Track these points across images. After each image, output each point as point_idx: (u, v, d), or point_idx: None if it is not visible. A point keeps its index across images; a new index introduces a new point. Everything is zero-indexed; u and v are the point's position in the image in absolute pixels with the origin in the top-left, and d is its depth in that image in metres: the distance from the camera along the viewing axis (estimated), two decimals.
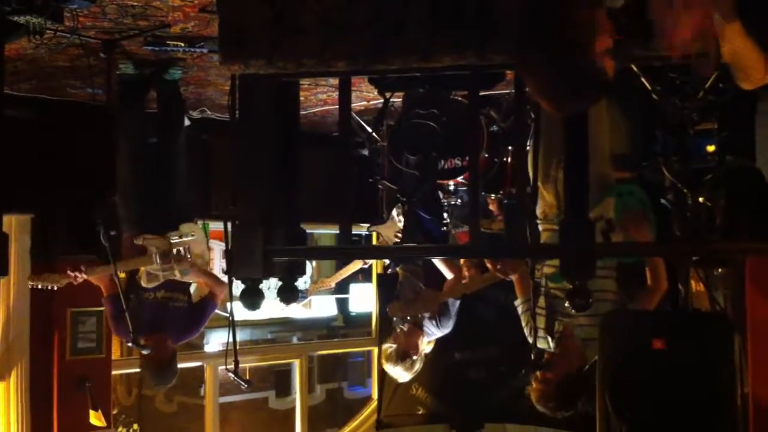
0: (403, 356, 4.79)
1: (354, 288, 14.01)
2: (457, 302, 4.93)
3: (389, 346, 4.88)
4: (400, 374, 4.93)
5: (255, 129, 3.00)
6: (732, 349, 2.99)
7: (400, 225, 4.81)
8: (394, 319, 4.90)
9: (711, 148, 3.69)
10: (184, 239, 5.02)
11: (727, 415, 2.96)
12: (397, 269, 5.15)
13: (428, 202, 4.93)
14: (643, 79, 3.37)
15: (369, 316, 9.12)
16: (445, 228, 5.22)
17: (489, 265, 4.18)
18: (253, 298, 3.12)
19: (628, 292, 4.07)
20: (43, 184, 5.85)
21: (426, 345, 4.96)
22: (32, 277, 4.93)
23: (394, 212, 4.94)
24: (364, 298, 12.08)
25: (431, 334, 4.93)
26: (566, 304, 3.10)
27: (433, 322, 4.86)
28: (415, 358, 4.83)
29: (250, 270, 3.02)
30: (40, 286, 4.83)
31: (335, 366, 18.27)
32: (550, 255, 3.49)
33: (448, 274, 4.80)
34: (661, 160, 3.44)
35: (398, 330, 4.83)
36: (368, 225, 5.61)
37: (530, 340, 3.99)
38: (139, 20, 4.27)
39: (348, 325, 17.41)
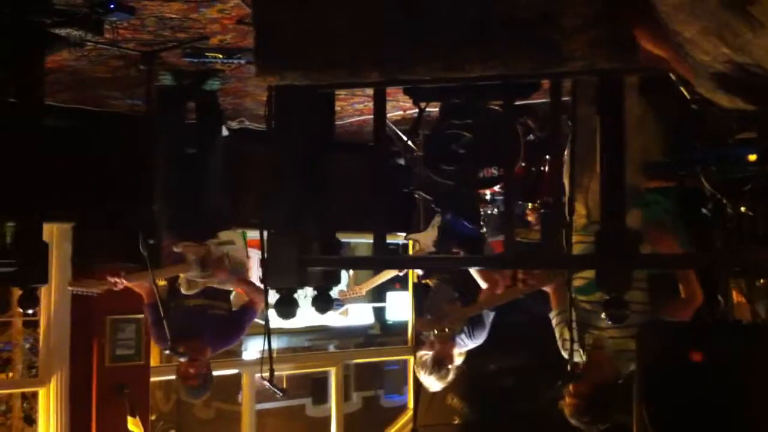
0: (438, 365, 4.76)
1: (391, 296, 14.01)
2: (492, 313, 4.90)
3: (424, 354, 4.85)
4: (433, 383, 4.90)
5: (290, 139, 3.02)
6: None
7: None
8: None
9: (753, 157, 3.63)
10: (224, 247, 5.05)
11: (766, 429, 2.90)
12: (428, 280, 5.12)
13: (468, 211, 4.90)
14: (681, 88, 3.33)
15: (405, 324, 9.11)
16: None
17: (521, 277, 4.16)
18: (287, 308, 3.13)
19: (660, 304, 4.02)
20: (84, 193, 5.92)
21: (458, 356, 4.94)
22: (72, 282, 4.98)
23: (435, 220, 4.90)
24: (400, 307, 12.08)
25: (464, 345, 4.90)
26: (602, 316, 3.07)
27: (466, 332, 4.83)
28: (450, 367, 4.81)
29: (285, 279, 3.03)
30: (80, 292, 4.88)
31: (372, 374, 18.23)
32: (586, 266, 3.46)
33: (483, 284, 4.77)
34: (700, 169, 3.40)
35: (432, 338, 4.81)
36: (405, 234, 5.59)
37: (563, 353, 3.95)
38: (177, 32, 4.32)
39: (385, 333, 17.38)
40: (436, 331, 4.61)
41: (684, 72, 2.15)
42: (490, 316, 4.91)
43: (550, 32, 2.33)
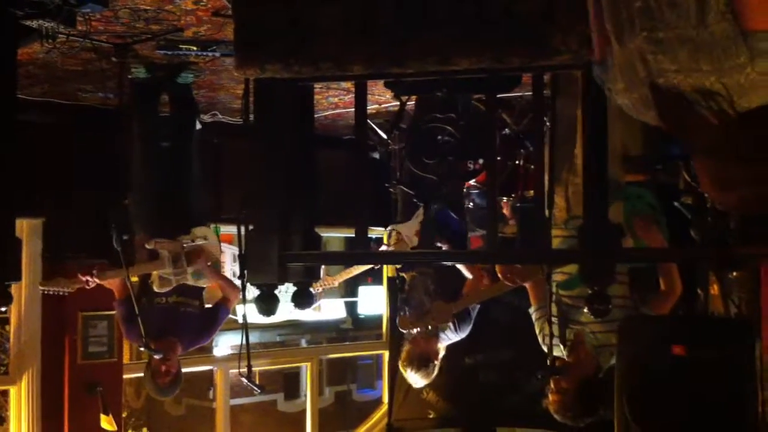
0: (425, 362, 4.71)
1: (363, 290, 14.01)
2: (477, 306, 4.86)
3: (409, 350, 4.78)
4: (418, 380, 4.85)
5: (271, 133, 2.98)
6: (752, 355, 2.95)
7: (417, 226, 4.69)
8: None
9: None
10: (197, 243, 5.00)
11: (747, 422, 2.92)
12: (406, 274, 5.06)
13: (455, 204, 4.85)
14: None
15: (377, 318, 9.10)
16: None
17: (498, 273, 4.15)
18: (268, 304, 3.08)
19: (641, 297, 4.04)
20: (55, 188, 5.84)
21: (442, 350, 4.90)
22: (44, 282, 4.91)
23: (419, 212, 4.81)
24: (372, 301, 12.07)
25: (448, 339, 4.86)
26: (583, 311, 3.06)
27: (451, 327, 4.78)
28: (435, 363, 4.76)
29: (265, 275, 2.98)
30: (51, 292, 4.80)
31: (344, 368, 18.24)
32: (569, 260, 3.45)
33: (468, 274, 4.72)
34: (682, 163, 3.41)
35: (416, 335, 4.75)
36: (388, 224, 5.51)
37: (544, 347, 3.95)
38: (151, 24, 4.26)
39: (357, 327, 17.38)
40: (419, 329, 4.58)
41: (598, 52, 1.95)
42: (476, 310, 4.86)
43: (544, 26, 2.32)
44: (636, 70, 1.93)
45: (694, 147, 1.91)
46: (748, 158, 1.70)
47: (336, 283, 6.18)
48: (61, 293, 4.77)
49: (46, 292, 4.89)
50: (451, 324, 4.73)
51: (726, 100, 1.76)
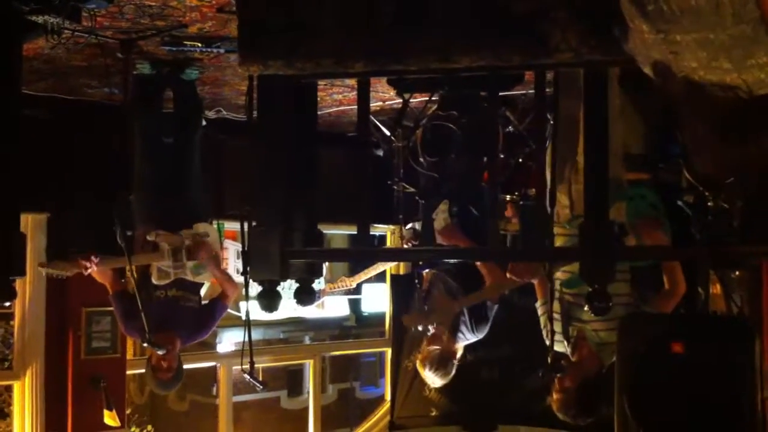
0: (444, 361, 4.64)
1: (366, 288, 14.03)
2: (495, 306, 4.78)
3: (431, 350, 4.70)
4: (437, 380, 4.73)
5: (274, 130, 2.99)
6: (753, 354, 2.96)
7: (442, 222, 4.63)
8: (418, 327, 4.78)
9: None
10: (197, 237, 5.01)
11: (746, 420, 2.93)
12: (424, 273, 5.00)
13: (475, 201, 4.78)
14: None
15: (381, 316, 9.10)
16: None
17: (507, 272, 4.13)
18: (270, 300, 3.10)
19: (643, 296, 4.04)
20: (59, 184, 5.86)
21: (460, 350, 4.81)
22: (43, 263, 4.91)
23: (439, 209, 4.74)
24: (376, 298, 12.07)
25: (465, 339, 4.76)
26: (585, 309, 3.07)
27: (468, 326, 4.70)
28: (454, 362, 4.69)
29: (267, 272, 3.00)
30: (50, 274, 4.79)
31: (347, 366, 18.26)
32: (569, 258, 3.46)
33: (487, 276, 4.66)
34: (683, 162, 3.41)
35: (429, 334, 4.67)
36: (405, 223, 5.48)
37: (548, 343, 3.96)
38: (156, 20, 4.27)
39: (360, 325, 17.40)
40: (422, 327, 4.54)
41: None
42: (494, 309, 4.80)
43: (541, 24, 2.33)
44: (650, 53, 1.95)
45: (698, 122, 1.94)
46: (756, 134, 1.73)
47: (354, 285, 6.14)
48: (59, 276, 4.76)
49: (44, 274, 4.89)
50: (467, 323, 4.67)
51: (744, 91, 1.78)
